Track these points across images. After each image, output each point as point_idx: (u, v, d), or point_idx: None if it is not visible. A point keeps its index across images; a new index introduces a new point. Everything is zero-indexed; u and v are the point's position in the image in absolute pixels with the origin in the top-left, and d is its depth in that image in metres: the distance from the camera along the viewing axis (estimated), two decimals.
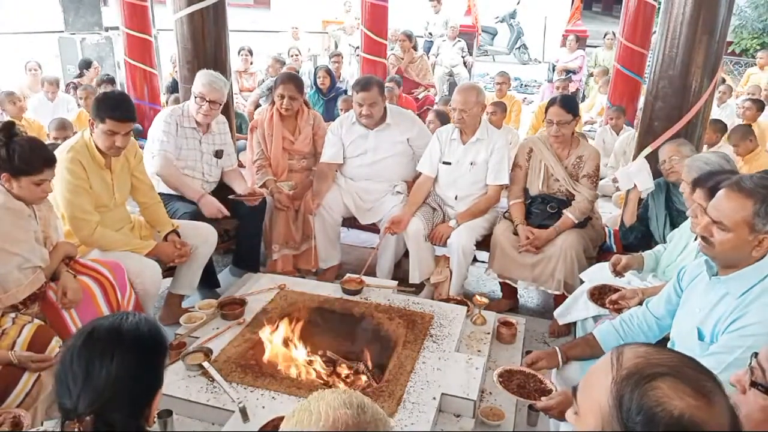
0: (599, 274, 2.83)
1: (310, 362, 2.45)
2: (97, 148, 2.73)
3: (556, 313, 2.92)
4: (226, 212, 3.35)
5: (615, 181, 3.96)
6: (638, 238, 3.16)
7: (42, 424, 1.67)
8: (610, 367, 0.96)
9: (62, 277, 2.40)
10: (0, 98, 4.93)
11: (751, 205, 1.60)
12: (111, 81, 6.10)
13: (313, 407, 0.97)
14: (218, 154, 3.53)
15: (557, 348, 2.13)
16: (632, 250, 2.95)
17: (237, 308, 2.63)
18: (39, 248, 2.34)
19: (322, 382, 2.33)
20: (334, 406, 0.96)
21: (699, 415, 0.87)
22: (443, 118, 4.58)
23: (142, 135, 4.95)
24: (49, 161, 2.29)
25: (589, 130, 6.98)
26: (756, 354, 1.26)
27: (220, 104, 3.41)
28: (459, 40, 9.31)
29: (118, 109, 2.66)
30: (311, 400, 0.99)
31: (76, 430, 1.05)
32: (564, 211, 3.26)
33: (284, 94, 3.71)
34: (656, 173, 3.12)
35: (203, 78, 3.34)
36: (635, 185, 3.16)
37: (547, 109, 3.34)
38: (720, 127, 4.57)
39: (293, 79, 3.83)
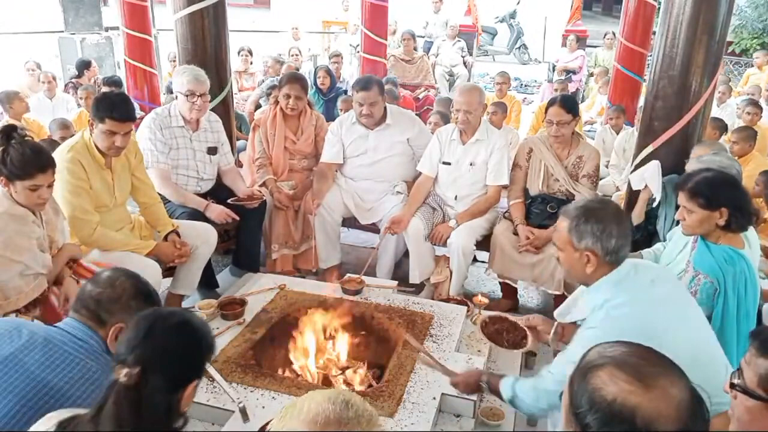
0: None
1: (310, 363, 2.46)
2: (97, 148, 2.72)
3: (556, 313, 2.90)
4: (235, 216, 3.35)
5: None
6: (644, 236, 3.17)
7: None
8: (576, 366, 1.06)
9: (65, 282, 2.40)
10: (6, 97, 4.89)
11: (567, 224, 1.82)
12: (116, 83, 6.04)
13: (299, 403, 1.00)
14: (212, 151, 3.53)
15: (557, 321, 2.17)
16: (632, 249, 2.95)
17: (237, 308, 2.63)
18: (41, 255, 2.33)
19: (322, 382, 2.33)
20: (318, 401, 0.99)
21: (631, 399, 0.94)
22: (447, 119, 4.57)
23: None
24: (44, 167, 2.23)
25: (589, 131, 6.98)
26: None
27: (208, 95, 3.40)
28: (459, 40, 9.30)
29: (117, 110, 2.65)
30: (303, 397, 1.02)
31: (123, 373, 1.16)
32: None
33: (290, 94, 3.71)
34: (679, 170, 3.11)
35: (187, 75, 3.29)
36: (646, 186, 3.16)
37: (547, 109, 3.34)
38: (720, 125, 4.57)
39: (299, 80, 3.83)
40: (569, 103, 3.27)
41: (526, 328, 2.27)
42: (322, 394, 1.01)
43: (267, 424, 1.83)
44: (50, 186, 2.29)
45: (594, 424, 0.95)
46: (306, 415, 0.97)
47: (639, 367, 0.98)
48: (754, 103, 5.56)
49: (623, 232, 1.78)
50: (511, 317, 2.38)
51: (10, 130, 2.24)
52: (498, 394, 1.95)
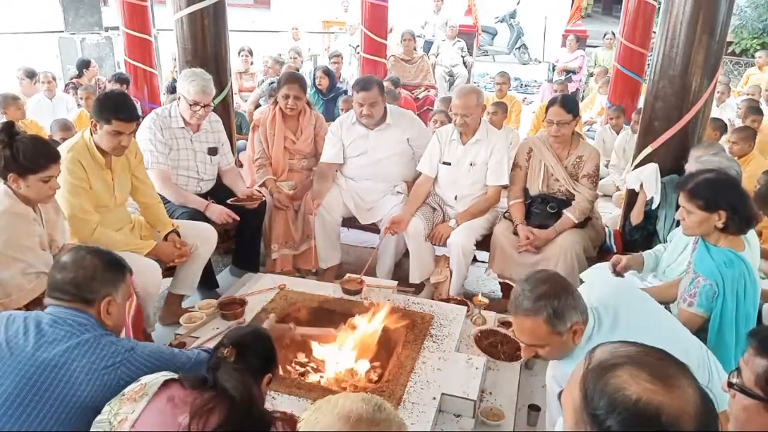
0: (599, 274, 2.83)
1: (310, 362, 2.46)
2: (97, 148, 2.72)
3: None
4: (235, 216, 3.35)
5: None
6: (644, 236, 3.18)
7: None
8: (583, 365, 1.03)
9: None
10: (2, 100, 4.89)
11: (542, 321, 1.69)
12: (125, 80, 6.03)
13: (333, 399, 1.06)
14: (212, 152, 3.53)
15: None
16: (633, 250, 2.96)
17: (237, 308, 2.63)
18: (43, 254, 2.33)
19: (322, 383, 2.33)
20: (353, 399, 1.04)
21: (655, 398, 0.92)
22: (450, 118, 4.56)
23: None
24: (54, 157, 2.29)
25: (589, 131, 6.98)
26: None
27: (211, 104, 3.41)
28: (459, 40, 9.31)
29: (123, 110, 2.66)
30: (337, 395, 1.08)
31: (225, 351, 1.50)
32: (564, 211, 3.26)
33: (289, 94, 3.71)
34: (679, 170, 3.12)
35: (195, 85, 3.26)
36: (642, 185, 3.16)
37: (547, 109, 3.34)
38: (720, 125, 4.57)
39: (297, 79, 3.83)
40: (569, 103, 3.27)
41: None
42: (356, 395, 1.06)
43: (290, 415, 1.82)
44: (57, 177, 2.32)
45: (616, 425, 0.92)
46: (341, 410, 1.01)
47: (658, 367, 0.97)
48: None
49: (574, 287, 1.77)
50: (503, 330, 2.38)
51: (10, 126, 2.25)
52: None
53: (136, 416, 1.38)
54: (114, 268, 1.76)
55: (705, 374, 1.80)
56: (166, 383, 1.45)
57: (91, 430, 1.44)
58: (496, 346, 2.28)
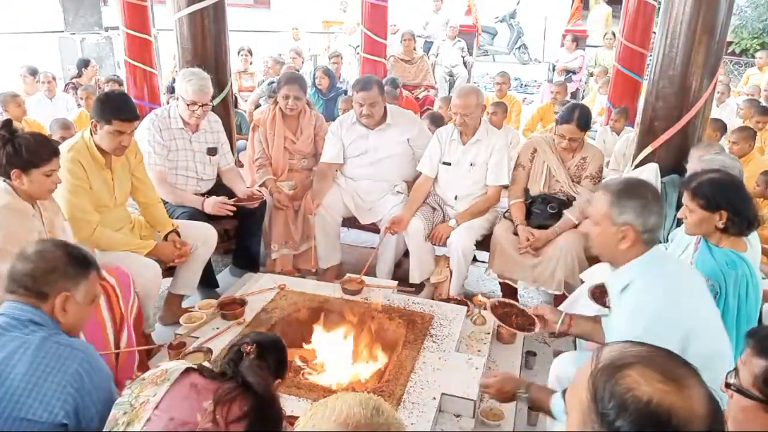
0: (600, 273, 2.82)
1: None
2: (97, 147, 2.72)
3: (561, 307, 2.91)
4: (232, 207, 3.34)
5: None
6: None
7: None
8: (590, 364, 1.01)
9: None
10: (2, 98, 4.90)
11: (608, 198, 1.83)
12: (119, 82, 6.08)
13: (330, 403, 1.02)
14: (211, 152, 3.53)
15: (564, 312, 2.19)
16: None
17: (237, 308, 2.63)
18: None
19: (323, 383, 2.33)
20: (349, 404, 1.00)
21: (668, 399, 0.90)
22: (439, 123, 4.55)
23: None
24: (55, 151, 2.31)
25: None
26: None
27: (210, 103, 3.41)
28: (459, 40, 9.30)
29: (124, 110, 2.67)
30: (333, 397, 1.04)
31: (248, 349, 1.54)
32: (565, 211, 3.25)
33: (289, 95, 3.71)
34: (679, 170, 3.12)
35: (193, 84, 3.26)
36: None
37: (558, 122, 3.31)
38: (720, 125, 4.57)
39: (297, 80, 3.83)
40: (584, 122, 3.20)
41: (534, 316, 2.29)
42: (353, 397, 1.02)
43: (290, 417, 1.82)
44: (58, 171, 2.34)
45: (627, 426, 0.90)
46: (337, 416, 0.98)
47: (668, 367, 0.95)
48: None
49: (661, 211, 1.83)
50: (519, 305, 2.40)
51: (10, 123, 2.27)
52: (542, 410, 1.88)
53: (158, 399, 1.41)
54: (78, 263, 1.68)
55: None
56: (186, 371, 1.49)
57: (112, 411, 1.45)
58: (510, 316, 2.30)
